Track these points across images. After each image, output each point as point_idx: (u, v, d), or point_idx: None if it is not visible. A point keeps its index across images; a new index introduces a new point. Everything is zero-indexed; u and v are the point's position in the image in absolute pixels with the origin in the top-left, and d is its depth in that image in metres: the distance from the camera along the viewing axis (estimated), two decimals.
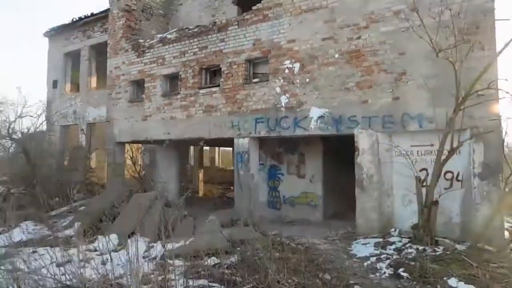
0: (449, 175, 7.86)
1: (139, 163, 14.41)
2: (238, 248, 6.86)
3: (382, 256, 6.92)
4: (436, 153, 7.67)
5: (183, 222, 8.84)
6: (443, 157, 7.27)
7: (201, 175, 17.94)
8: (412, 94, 8.01)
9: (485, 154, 7.32)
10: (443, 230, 7.71)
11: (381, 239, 7.71)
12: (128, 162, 13.65)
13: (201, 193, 17.63)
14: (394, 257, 6.82)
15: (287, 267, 5.41)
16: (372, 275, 6.08)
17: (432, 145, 8.02)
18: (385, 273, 6.13)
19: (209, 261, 6.24)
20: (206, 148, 22.52)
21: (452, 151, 7.03)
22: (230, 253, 6.70)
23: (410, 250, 7.02)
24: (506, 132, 6.70)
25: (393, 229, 8.03)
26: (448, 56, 6.74)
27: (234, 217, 10.02)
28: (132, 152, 13.86)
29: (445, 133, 6.97)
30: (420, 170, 8.05)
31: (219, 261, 6.19)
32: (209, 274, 5.53)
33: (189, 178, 17.06)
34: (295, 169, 11.67)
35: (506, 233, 7.68)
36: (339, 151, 10.97)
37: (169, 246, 5.88)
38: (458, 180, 7.76)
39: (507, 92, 6.47)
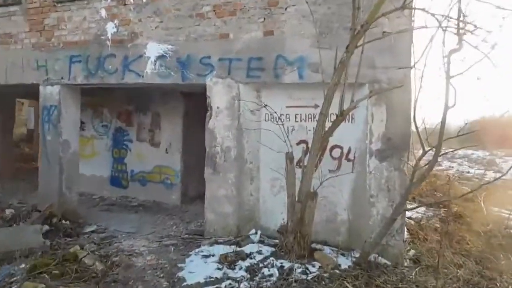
0: (336, 152, 5.23)
1: None
2: None
3: (223, 285, 4.11)
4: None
5: None
6: (328, 124, 4.57)
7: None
8: (291, 27, 5.11)
9: (387, 122, 4.76)
10: (324, 231, 5.15)
11: (234, 247, 4.92)
12: None
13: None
14: (243, 286, 4.06)
15: None
16: None
17: (316, 106, 5.29)
18: None
19: None
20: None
21: (341, 116, 4.33)
22: None
23: (270, 271, 4.30)
24: (419, 89, 4.14)
25: (253, 231, 5.28)
26: None
27: (40, 203, 6.56)
28: None
29: (332, 87, 4.22)
30: (298, 143, 5.33)
31: None
32: None
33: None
34: (147, 135, 8.37)
35: (406, 234, 5.39)
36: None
37: None
38: (348, 160, 5.18)
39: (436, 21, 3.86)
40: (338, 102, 4.36)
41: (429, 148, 4.24)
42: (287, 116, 5.41)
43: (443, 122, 4.00)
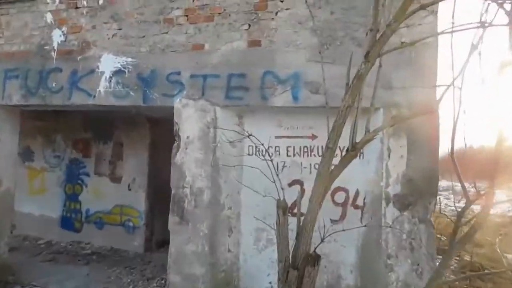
0: (339, 196, 4.01)
1: None
2: None
3: None
4: (319, 152, 3.85)
5: None
6: (334, 160, 3.36)
7: None
8: (283, 36, 3.97)
9: (409, 159, 3.60)
10: None
11: None
12: None
13: None
14: None
15: None
16: None
17: (314, 136, 4.12)
18: None
19: None
20: None
21: (354, 150, 3.14)
22: None
23: None
24: (457, 114, 2.98)
25: None
26: None
27: None
28: None
29: (344, 111, 3.04)
30: (291, 184, 4.10)
31: None
32: None
33: None
34: (107, 168, 6.96)
35: None
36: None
37: None
38: (356, 207, 3.96)
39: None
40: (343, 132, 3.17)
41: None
42: (277, 149, 4.18)
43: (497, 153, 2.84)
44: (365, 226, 3.50)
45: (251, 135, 3.78)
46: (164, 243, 6.84)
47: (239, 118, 4.25)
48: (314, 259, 3.23)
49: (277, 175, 3.70)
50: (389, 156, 3.64)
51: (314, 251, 3.30)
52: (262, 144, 3.74)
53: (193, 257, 4.04)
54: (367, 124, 3.24)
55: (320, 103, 3.81)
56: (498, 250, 6.28)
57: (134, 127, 6.73)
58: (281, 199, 3.34)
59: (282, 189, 3.56)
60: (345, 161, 3.24)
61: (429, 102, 3.55)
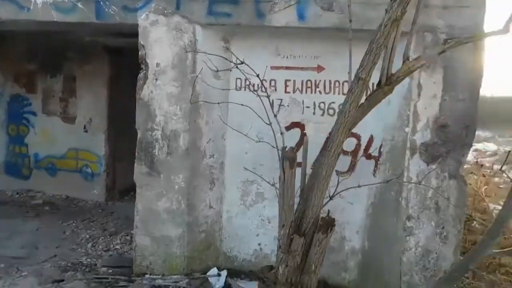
0: (349, 143, 3.22)
1: None
2: None
3: None
4: (326, 88, 3.01)
5: None
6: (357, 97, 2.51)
7: None
8: None
9: (444, 100, 2.82)
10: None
11: None
12: None
13: None
14: None
15: None
16: None
17: (320, 68, 3.22)
18: None
19: None
20: None
21: (389, 84, 2.31)
22: None
23: None
24: None
25: (213, 271, 3.18)
26: None
27: None
28: None
29: (388, 27, 2.13)
30: (289, 127, 3.25)
31: None
32: None
33: None
34: (58, 106, 5.74)
35: None
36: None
37: None
38: (368, 157, 3.21)
39: None
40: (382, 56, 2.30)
41: None
42: (272, 83, 3.26)
43: None
44: (387, 182, 2.77)
45: (243, 62, 2.84)
46: (128, 191, 5.96)
47: (224, 41, 3.23)
48: (327, 225, 2.49)
49: (275, 115, 2.84)
50: (419, 95, 2.83)
51: (328, 214, 2.56)
52: (258, 75, 2.82)
53: (166, 215, 3.19)
54: (405, 51, 2.39)
55: (333, 24, 2.88)
56: None
57: (90, 59, 5.48)
58: (286, 147, 2.49)
59: (282, 133, 2.73)
60: (376, 98, 2.42)
61: (474, 28, 2.72)
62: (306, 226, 2.52)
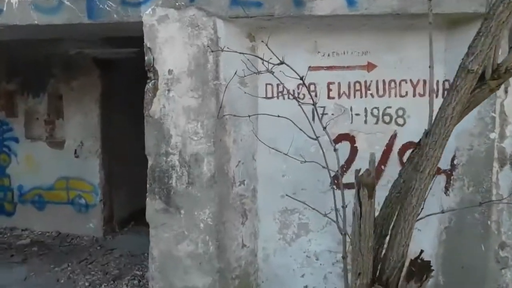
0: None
1: None
2: None
3: None
4: (379, 90, 2.36)
5: None
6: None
7: None
8: None
9: None
10: None
11: None
12: None
13: None
14: None
15: None
16: None
17: (371, 66, 2.60)
18: None
19: None
20: None
21: (500, 78, 1.72)
22: None
23: None
24: None
25: None
26: None
27: None
28: None
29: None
30: (335, 141, 2.60)
31: None
32: None
33: None
34: (43, 130, 5.00)
35: None
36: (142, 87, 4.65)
37: None
38: (437, 170, 2.61)
39: None
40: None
41: None
42: (312, 87, 2.62)
43: None
44: (480, 205, 2.14)
45: (283, 62, 2.21)
46: (128, 222, 5.23)
47: (250, 39, 2.59)
48: (422, 270, 1.84)
49: (325, 128, 2.21)
50: (506, 92, 2.23)
51: (420, 255, 1.91)
52: (302, 78, 2.19)
53: (191, 261, 2.48)
54: None
55: (391, 9, 2.27)
56: None
57: (77, 74, 4.75)
58: (368, 170, 1.84)
59: (335, 149, 2.11)
60: (480, 97, 1.79)
61: None
62: (389, 273, 1.87)
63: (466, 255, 2.42)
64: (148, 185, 2.48)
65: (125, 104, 4.86)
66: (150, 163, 2.47)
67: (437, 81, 2.52)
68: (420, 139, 1.95)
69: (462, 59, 1.61)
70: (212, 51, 2.26)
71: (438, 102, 2.53)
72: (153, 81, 2.45)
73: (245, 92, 2.54)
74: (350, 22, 2.40)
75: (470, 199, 2.39)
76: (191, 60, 2.38)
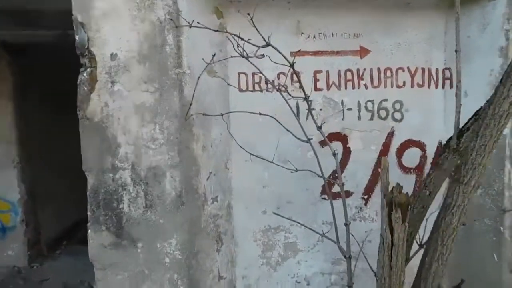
0: (411, 155, 2.25)
1: None
2: None
3: None
4: (374, 79, 1.95)
5: None
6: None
7: None
8: None
9: None
10: None
11: None
12: None
13: None
14: None
15: None
16: None
17: (364, 51, 2.16)
18: None
19: None
20: None
21: None
22: None
23: None
24: None
25: None
26: None
27: None
28: None
29: None
30: (324, 141, 2.15)
31: None
32: None
33: None
34: None
35: None
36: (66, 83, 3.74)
37: None
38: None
39: None
40: None
41: None
42: (295, 76, 2.13)
43: None
44: (505, 211, 1.82)
45: (269, 44, 1.70)
46: (59, 243, 4.38)
47: (217, 15, 2.01)
48: None
49: (320, 127, 1.77)
50: None
51: (460, 285, 1.52)
52: (292, 65, 1.72)
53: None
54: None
55: None
56: None
57: None
58: (399, 185, 1.40)
59: (335, 154, 1.68)
60: None
61: None
62: None
63: (477, 265, 2.12)
64: (89, 213, 1.80)
65: (53, 101, 3.98)
66: (90, 182, 1.79)
67: (436, 69, 2.17)
68: (449, 141, 1.56)
69: None
70: (176, 27, 1.64)
71: (437, 93, 2.20)
72: (88, 69, 1.76)
73: (208, 87, 1.96)
74: None
75: (479, 203, 2.08)
76: (142, 40, 1.74)
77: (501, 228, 2.02)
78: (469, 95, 2.07)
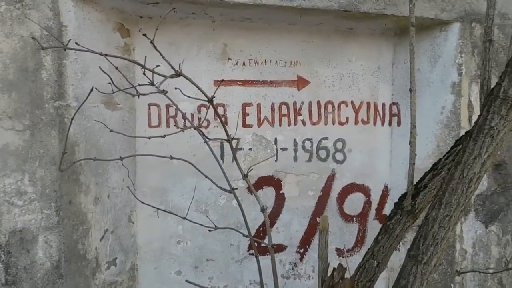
0: (354, 201, 1.95)
1: None
2: None
3: None
4: (313, 115, 1.62)
5: None
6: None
7: None
8: None
9: None
10: None
11: None
12: None
13: None
14: None
15: None
16: None
17: (302, 81, 1.84)
18: None
19: None
20: None
21: None
22: None
23: None
24: None
25: None
26: None
27: None
28: None
29: None
30: (255, 186, 1.78)
31: None
32: None
33: None
34: None
35: None
36: None
37: None
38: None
39: None
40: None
41: None
42: (220, 109, 1.75)
43: None
44: (504, 270, 1.55)
45: (180, 74, 1.31)
46: None
47: (122, 33, 1.59)
48: None
49: (246, 175, 1.45)
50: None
51: None
52: (211, 100, 1.34)
53: None
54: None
55: (339, 4, 1.55)
56: None
57: None
58: (341, 266, 1.06)
59: (264, 209, 1.32)
60: None
61: None
62: None
63: None
64: None
65: None
66: None
67: (383, 104, 1.90)
68: (402, 200, 1.28)
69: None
70: (42, 49, 1.20)
71: (384, 131, 1.92)
72: None
73: (107, 123, 1.53)
74: (277, 16, 1.60)
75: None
76: (8, 62, 1.28)
77: (452, 285, 1.77)
78: (418, 135, 1.82)
